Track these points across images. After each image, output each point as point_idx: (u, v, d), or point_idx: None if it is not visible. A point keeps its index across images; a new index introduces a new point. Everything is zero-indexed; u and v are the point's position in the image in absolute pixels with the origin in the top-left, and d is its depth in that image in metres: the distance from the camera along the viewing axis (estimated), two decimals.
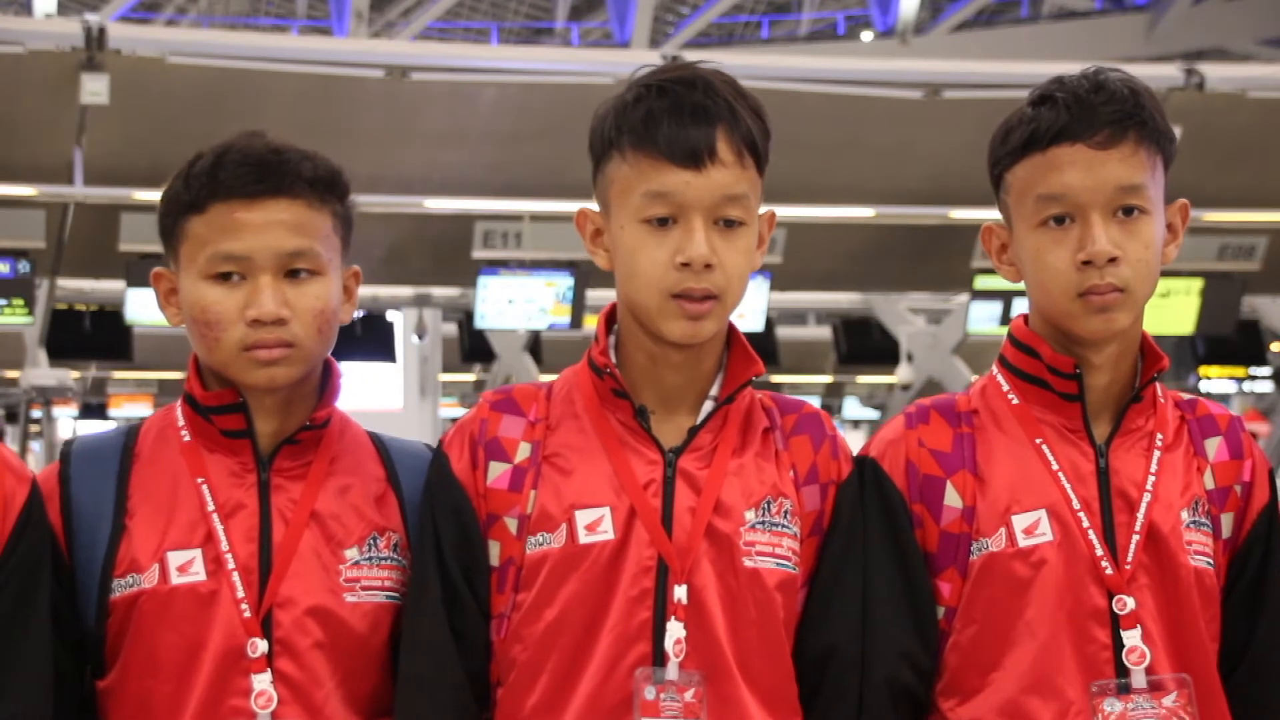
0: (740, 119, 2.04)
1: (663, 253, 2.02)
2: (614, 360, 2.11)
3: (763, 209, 2.14)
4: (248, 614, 2.06)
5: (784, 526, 2.09)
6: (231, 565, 2.07)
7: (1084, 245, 2.06)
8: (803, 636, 2.11)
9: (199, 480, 2.11)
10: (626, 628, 2.03)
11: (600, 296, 10.06)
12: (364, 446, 2.22)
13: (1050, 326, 2.13)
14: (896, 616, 2.11)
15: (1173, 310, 10.87)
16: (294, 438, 2.14)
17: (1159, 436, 2.14)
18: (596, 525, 2.05)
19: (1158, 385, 2.18)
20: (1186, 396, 2.24)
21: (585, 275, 10.21)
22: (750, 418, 2.14)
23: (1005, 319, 11.25)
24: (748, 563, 2.06)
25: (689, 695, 2.01)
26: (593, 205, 2.14)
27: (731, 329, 2.13)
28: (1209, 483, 2.15)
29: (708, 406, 2.10)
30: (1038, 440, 2.13)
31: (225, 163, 2.09)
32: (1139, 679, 2.05)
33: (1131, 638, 2.06)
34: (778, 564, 2.07)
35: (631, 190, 2.04)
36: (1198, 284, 10.86)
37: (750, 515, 2.07)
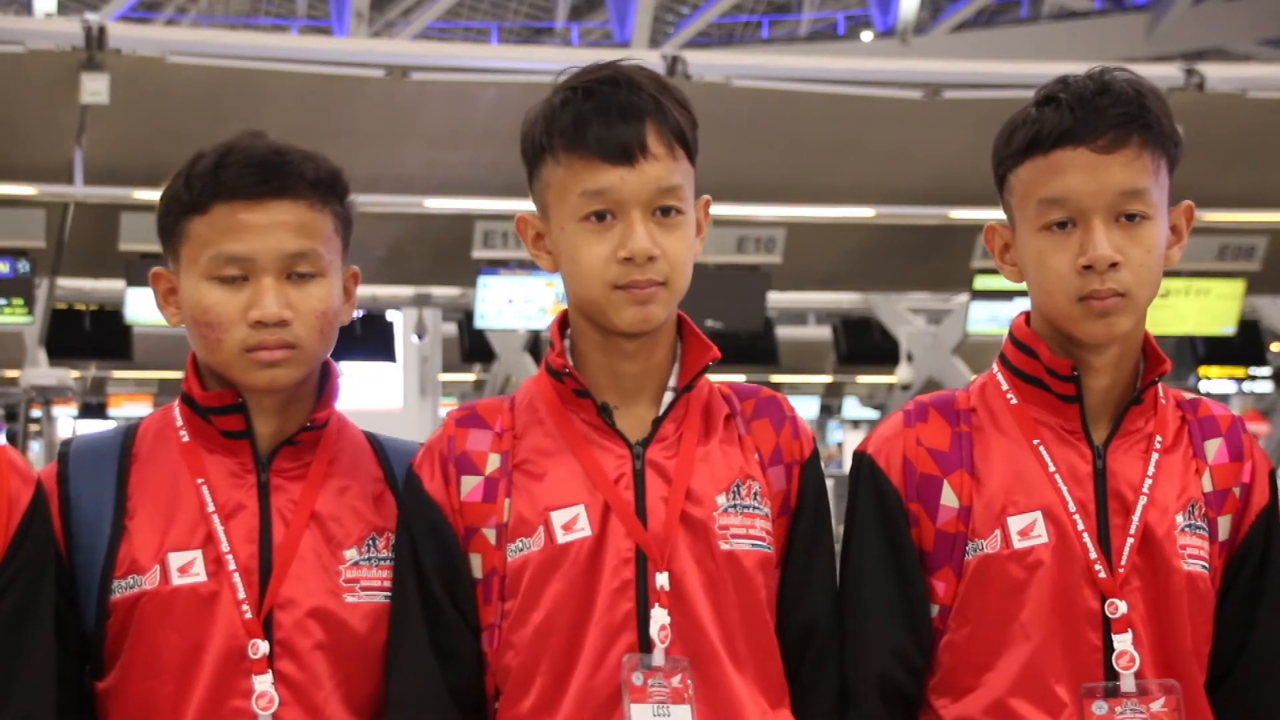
0: (668, 112, 2.07)
1: (604, 248, 2.05)
2: (571, 362, 2.12)
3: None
4: (249, 615, 2.06)
5: (755, 508, 2.11)
6: (232, 566, 2.08)
7: (1085, 250, 2.06)
8: (781, 617, 2.13)
9: (199, 481, 2.11)
10: (612, 620, 2.04)
11: None
12: (361, 447, 2.23)
13: (1051, 327, 2.13)
14: (889, 614, 2.12)
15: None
16: (293, 439, 2.14)
17: (1158, 439, 2.14)
18: (573, 524, 2.07)
19: (1159, 386, 2.17)
20: (1189, 397, 2.22)
21: None
22: (710, 406, 2.16)
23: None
24: (724, 546, 2.08)
25: (676, 680, 2.03)
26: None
27: (682, 319, 2.16)
28: (1207, 485, 2.15)
29: (668, 398, 2.12)
30: (1035, 441, 2.13)
31: (228, 163, 2.09)
32: (1128, 683, 2.05)
33: (1122, 642, 2.06)
34: (753, 545, 2.10)
35: (568, 191, 2.07)
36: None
37: (722, 500, 2.09)
